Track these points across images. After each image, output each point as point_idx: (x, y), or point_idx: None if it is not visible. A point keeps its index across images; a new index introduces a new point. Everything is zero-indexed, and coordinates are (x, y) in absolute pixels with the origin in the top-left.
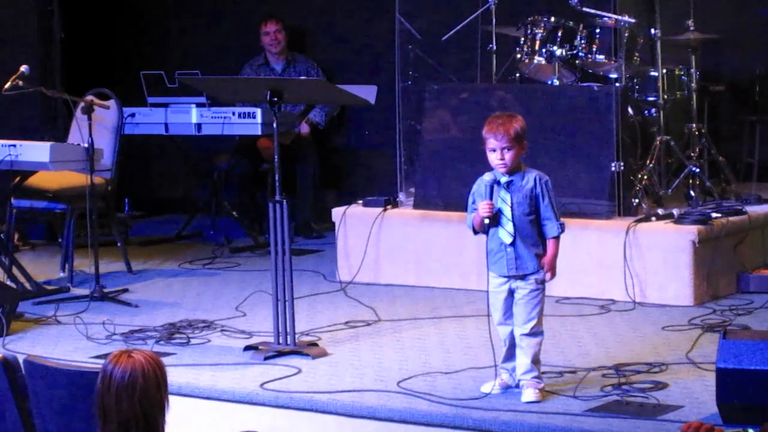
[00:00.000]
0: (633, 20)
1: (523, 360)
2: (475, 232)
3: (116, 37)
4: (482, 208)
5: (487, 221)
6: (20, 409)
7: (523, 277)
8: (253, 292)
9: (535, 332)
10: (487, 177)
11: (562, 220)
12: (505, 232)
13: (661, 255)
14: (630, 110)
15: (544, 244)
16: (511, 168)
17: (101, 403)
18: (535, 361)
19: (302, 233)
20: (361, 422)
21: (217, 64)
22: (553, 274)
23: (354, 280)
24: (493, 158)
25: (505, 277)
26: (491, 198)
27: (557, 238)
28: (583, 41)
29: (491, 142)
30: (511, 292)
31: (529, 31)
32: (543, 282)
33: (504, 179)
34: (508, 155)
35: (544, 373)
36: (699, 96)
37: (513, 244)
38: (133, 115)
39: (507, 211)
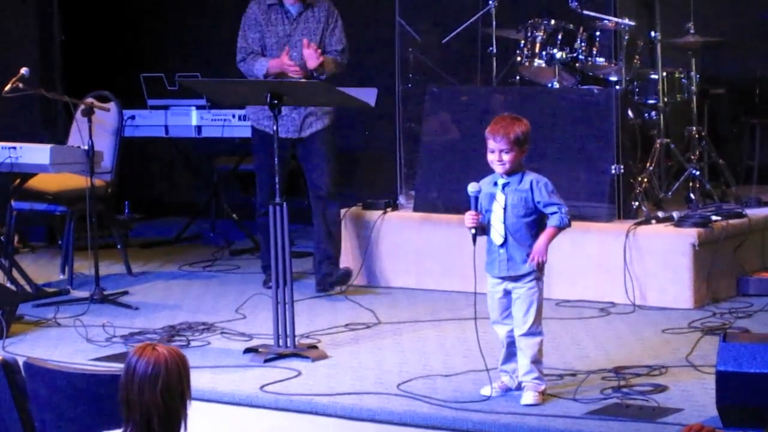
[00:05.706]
0: (633, 23)
1: (523, 361)
2: None
3: (116, 39)
4: (467, 220)
5: (473, 231)
6: (20, 412)
7: (516, 279)
8: (253, 294)
9: (533, 332)
10: (471, 188)
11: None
12: (497, 234)
13: (661, 258)
14: (630, 113)
15: None
16: (508, 170)
17: (125, 394)
18: (536, 361)
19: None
20: (361, 425)
21: (218, 66)
22: (540, 258)
23: (354, 283)
24: (492, 159)
25: (499, 278)
26: (476, 208)
27: (557, 227)
28: (583, 44)
29: (491, 143)
30: (507, 293)
31: (529, 34)
32: (538, 281)
33: (501, 180)
34: (506, 157)
35: (544, 375)
36: (699, 99)
37: (504, 245)
38: (133, 117)
39: (499, 213)
